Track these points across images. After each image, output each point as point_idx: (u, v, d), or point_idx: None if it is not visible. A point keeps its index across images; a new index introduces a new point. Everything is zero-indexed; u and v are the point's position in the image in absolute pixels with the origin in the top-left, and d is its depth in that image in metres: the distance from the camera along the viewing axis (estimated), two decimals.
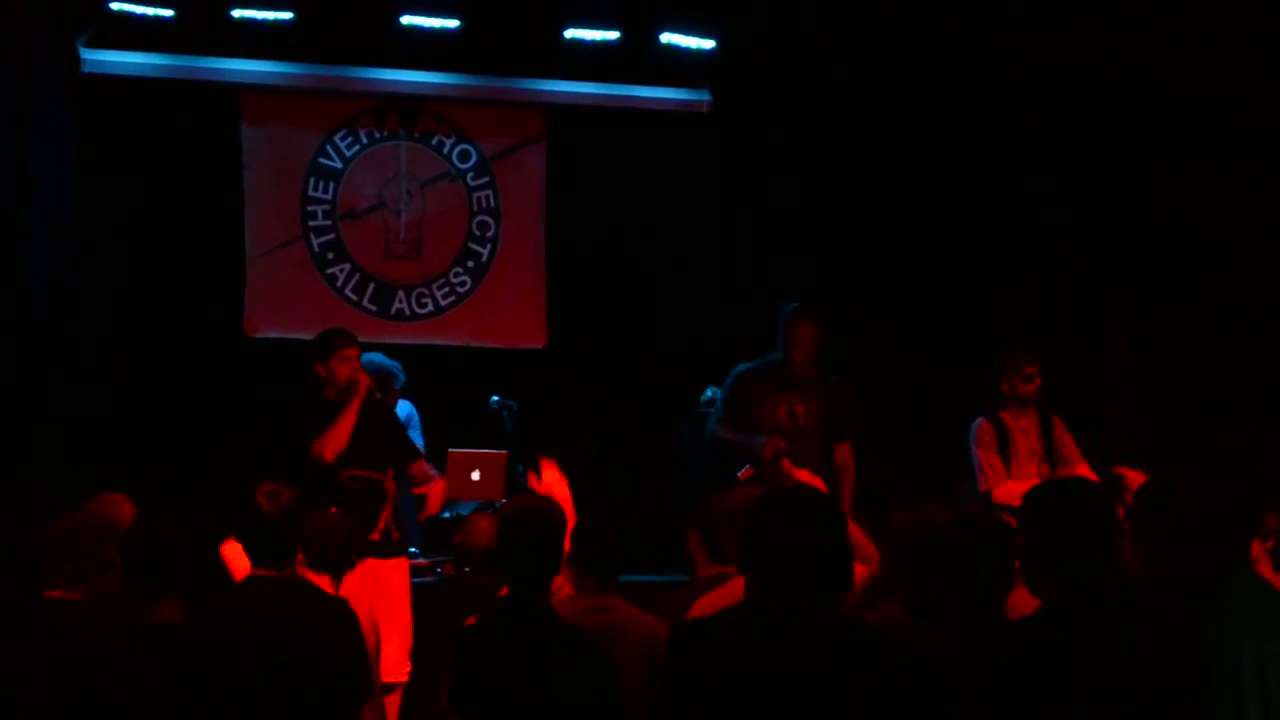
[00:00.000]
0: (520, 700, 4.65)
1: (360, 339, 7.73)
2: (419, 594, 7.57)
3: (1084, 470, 7.82)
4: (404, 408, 9.10)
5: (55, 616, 5.06)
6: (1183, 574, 4.18)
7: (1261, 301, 9.38)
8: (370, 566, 7.21)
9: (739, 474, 7.74)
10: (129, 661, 4.67)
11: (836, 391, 8.22)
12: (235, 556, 5.95)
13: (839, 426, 8.21)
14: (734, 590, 4.15)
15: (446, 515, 8.55)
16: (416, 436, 8.74)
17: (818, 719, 3.62)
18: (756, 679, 3.65)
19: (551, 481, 6.37)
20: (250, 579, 5.10)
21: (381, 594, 7.28)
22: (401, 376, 8.98)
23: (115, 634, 4.79)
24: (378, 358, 8.74)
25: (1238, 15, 9.06)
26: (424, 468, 7.83)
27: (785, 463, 7.60)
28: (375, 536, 7.31)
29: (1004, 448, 8.05)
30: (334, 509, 6.47)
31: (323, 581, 5.74)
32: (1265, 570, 5.92)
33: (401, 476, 7.72)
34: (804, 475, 7.17)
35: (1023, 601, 5.01)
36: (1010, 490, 7.80)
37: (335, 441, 7.30)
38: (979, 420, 8.12)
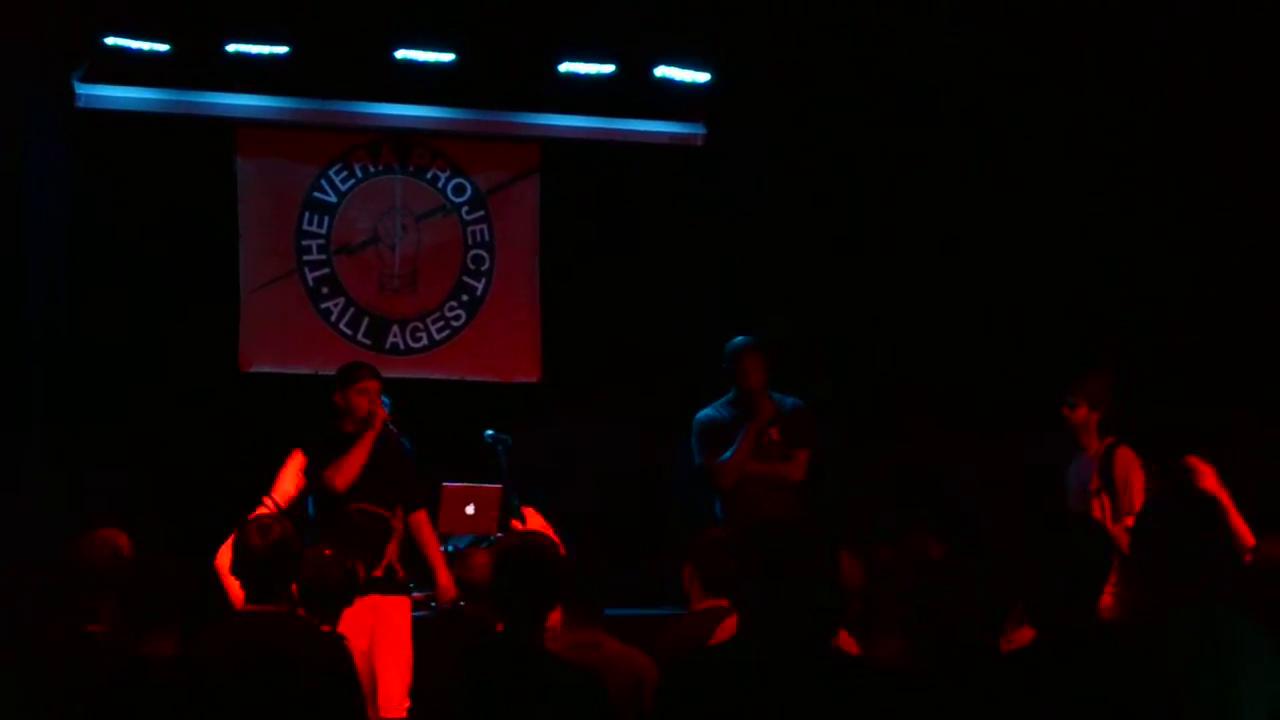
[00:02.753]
0: None
1: None
2: (414, 628, 7.57)
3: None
4: None
5: (58, 649, 5.05)
6: (1181, 602, 4.19)
7: (1255, 298, 9.40)
8: (373, 602, 7.22)
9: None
10: (125, 695, 4.67)
11: (795, 413, 8.56)
12: (227, 564, 5.94)
13: (800, 442, 8.52)
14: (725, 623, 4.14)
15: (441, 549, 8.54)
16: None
17: None
18: (748, 712, 3.64)
19: (535, 528, 6.39)
20: (244, 613, 5.09)
21: (382, 630, 7.30)
22: (386, 408, 8.99)
23: (111, 667, 4.78)
24: None
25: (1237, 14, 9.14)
26: (435, 557, 7.84)
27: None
28: (379, 573, 7.32)
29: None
30: (328, 550, 6.47)
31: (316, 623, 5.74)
32: None
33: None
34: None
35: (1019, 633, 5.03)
36: None
37: (347, 472, 7.34)
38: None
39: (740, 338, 8.63)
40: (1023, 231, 10.02)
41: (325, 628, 5.73)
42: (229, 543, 5.72)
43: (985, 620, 4.58)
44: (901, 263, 10.27)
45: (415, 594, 8.05)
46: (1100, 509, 7.82)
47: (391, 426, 7.66)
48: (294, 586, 5.52)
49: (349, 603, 6.06)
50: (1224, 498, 6.25)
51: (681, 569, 5.97)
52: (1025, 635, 4.55)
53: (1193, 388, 9.10)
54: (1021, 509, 8.57)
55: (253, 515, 5.28)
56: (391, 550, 7.50)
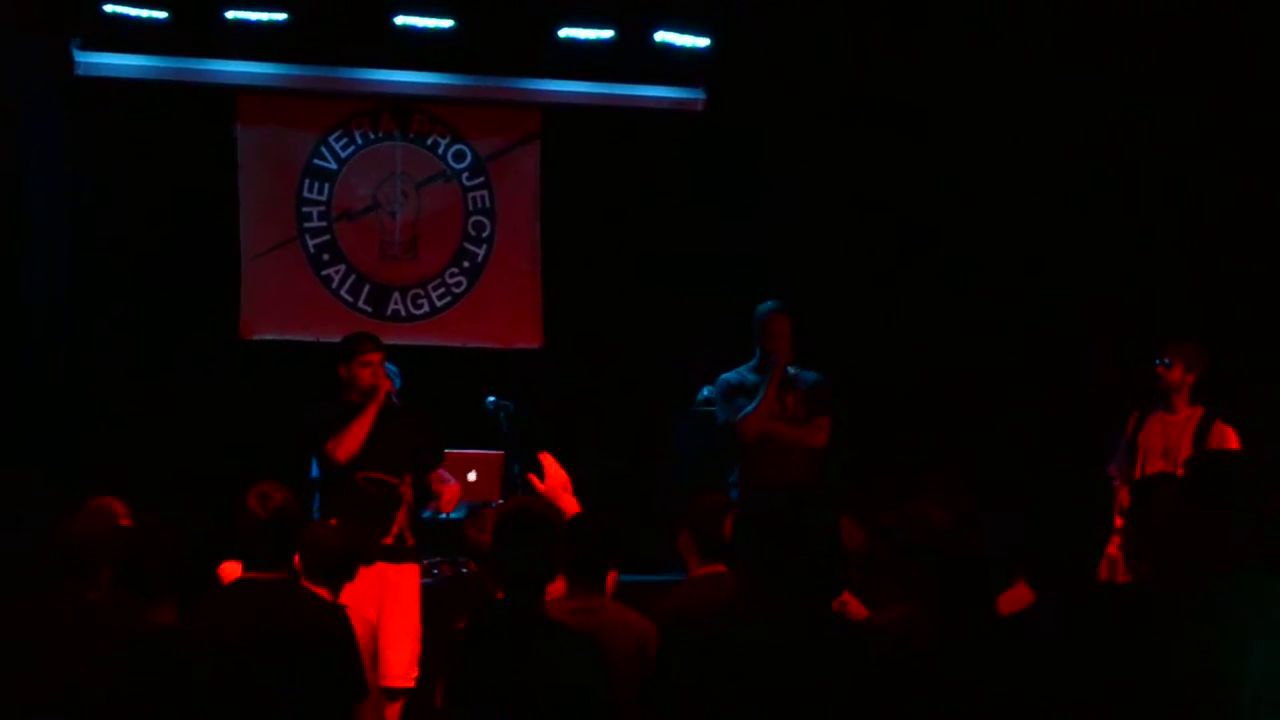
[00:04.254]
0: (515, 701, 4.65)
1: None
2: (422, 596, 7.56)
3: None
4: None
5: (57, 619, 5.06)
6: (1184, 572, 4.19)
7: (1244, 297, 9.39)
8: (380, 570, 7.22)
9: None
10: (124, 664, 4.68)
11: (815, 384, 8.49)
12: (231, 577, 5.95)
13: (821, 409, 8.46)
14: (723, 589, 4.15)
15: (442, 517, 8.55)
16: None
17: (808, 717, 3.62)
18: (747, 677, 3.65)
19: (553, 476, 6.34)
20: (242, 581, 5.09)
21: (390, 598, 7.29)
22: (397, 381, 8.99)
23: (110, 637, 4.79)
24: None
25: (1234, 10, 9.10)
26: (439, 473, 7.84)
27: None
28: (389, 540, 7.32)
29: (1134, 440, 8.05)
30: (333, 520, 6.47)
31: (321, 594, 5.74)
32: None
33: (420, 482, 7.74)
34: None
35: (1018, 597, 5.03)
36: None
37: (348, 444, 7.34)
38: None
39: (769, 302, 8.52)
40: (1026, 189, 10.02)
41: (326, 594, 5.74)
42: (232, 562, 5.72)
43: (988, 584, 4.59)
44: (903, 226, 10.25)
45: (424, 560, 8.08)
46: None
47: (394, 398, 7.64)
48: (296, 558, 5.52)
49: (351, 575, 6.06)
50: None
51: (678, 535, 5.96)
52: (1025, 598, 4.54)
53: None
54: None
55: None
56: (401, 518, 7.49)
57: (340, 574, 5.94)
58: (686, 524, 5.89)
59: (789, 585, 3.73)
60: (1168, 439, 7.93)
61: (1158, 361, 8.02)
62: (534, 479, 6.54)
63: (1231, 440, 7.84)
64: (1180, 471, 7.54)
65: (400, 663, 7.27)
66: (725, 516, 5.44)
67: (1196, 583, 4.14)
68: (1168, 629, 3.96)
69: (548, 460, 6.42)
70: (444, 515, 8.23)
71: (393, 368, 8.88)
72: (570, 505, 5.83)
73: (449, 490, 7.79)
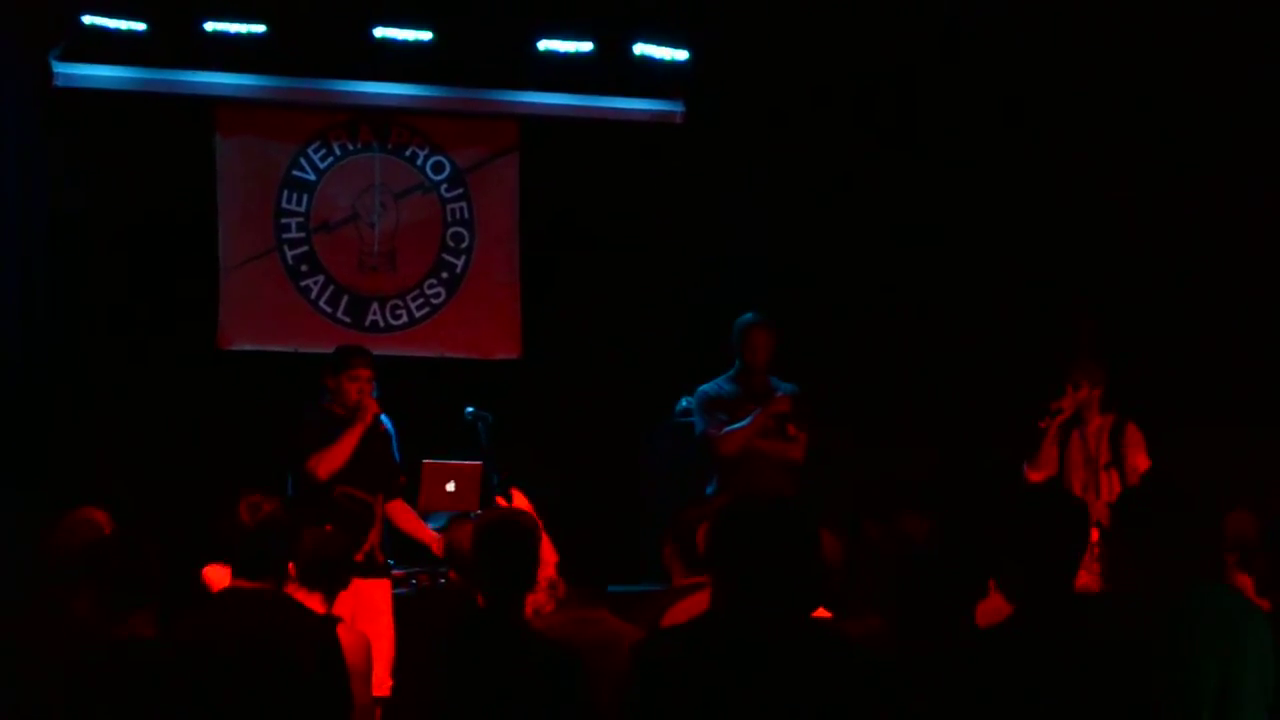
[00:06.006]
0: (492, 708, 4.66)
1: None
2: (395, 606, 7.60)
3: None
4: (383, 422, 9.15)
5: (37, 630, 5.05)
6: (1154, 585, 4.22)
7: (1235, 302, 9.46)
8: (355, 586, 7.25)
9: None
10: (103, 674, 4.67)
11: (797, 398, 8.51)
12: (217, 580, 5.95)
13: (802, 424, 8.49)
14: (705, 599, 4.15)
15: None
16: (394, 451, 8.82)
17: None
18: (722, 688, 3.65)
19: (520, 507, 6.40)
20: (227, 591, 5.09)
21: (364, 612, 7.32)
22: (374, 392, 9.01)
23: (90, 648, 4.78)
24: None
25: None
26: (413, 516, 7.95)
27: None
28: (360, 558, 7.35)
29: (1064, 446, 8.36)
30: (329, 527, 6.49)
31: (314, 600, 5.75)
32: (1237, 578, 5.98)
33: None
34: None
35: (994, 609, 5.05)
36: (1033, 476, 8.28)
37: (331, 462, 7.37)
38: None
39: (749, 314, 8.59)
40: (1012, 196, 10.06)
41: (318, 597, 5.74)
42: (216, 566, 5.72)
43: (965, 598, 4.61)
44: (883, 236, 10.27)
45: (395, 572, 8.09)
46: (1109, 483, 8.17)
47: (382, 420, 7.69)
48: (291, 564, 5.51)
49: (345, 583, 6.08)
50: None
51: (663, 547, 5.99)
52: (1002, 610, 4.56)
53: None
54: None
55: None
56: (373, 536, 7.53)
57: (336, 581, 5.95)
58: (671, 534, 5.93)
59: (766, 596, 3.74)
60: (1086, 449, 8.33)
61: (1068, 386, 8.36)
62: (500, 500, 6.59)
63: (1138, 438, 8.31)
64: (1114, 478, 8.13)
65: (376, 673, 7.28)
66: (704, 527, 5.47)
67: (1169, 591, 4.18)
68: (1141, 637, 3.99)
69: (518, 497, 6.48)
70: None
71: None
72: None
73: (431, 539, 7.86)
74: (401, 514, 7.97)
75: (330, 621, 5.28)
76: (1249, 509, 6.46)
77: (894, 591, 4.69)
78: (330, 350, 8.19)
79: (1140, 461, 8.22)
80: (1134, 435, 8.31)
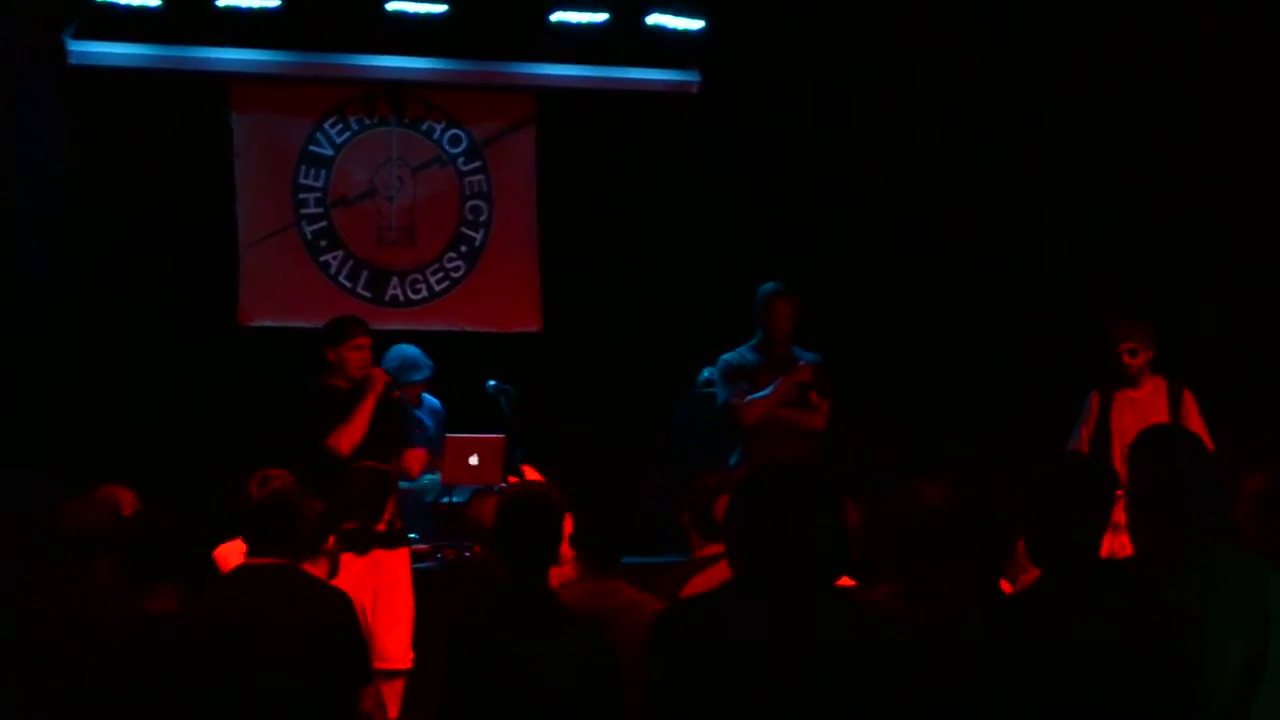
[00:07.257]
0: (516, 682, 4.66)
1: None
2: (421, 579, 7.59)
3: None
4: (431, 402, 9.23)
5: (59, 607, 5.06)
6: (1178, 548, 4.20)
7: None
8: (376, 557, 7.27)
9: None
10: (126, 651, 4.68)
11: (819, 368, 8.46)
12: (228, 559, 5.95)
13: (824, 393, 8.45)
14: (725, 570, 4.13)
15: (445, 501, 8.57)
16: (437, 430, 8.91)
17: (806, 698, 3.61)
18: (747, 656, 3.64)
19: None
20: (243, 567, 5.09)
21: (385, 584, 7.33)
22: (428, 371, 9.02)
23: (112, 624, 4.79)
24: (409, 350, 8.97)
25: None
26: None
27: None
28: (381, 527, 7.34)
29: (1105, 421, 8.19)
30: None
31: (318, 569, 5.73)
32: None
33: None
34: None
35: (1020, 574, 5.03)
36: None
37: (351, 436, 7.33)
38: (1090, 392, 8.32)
39: (772, 284, 8.52)
40: (1013, 176, 10.01)
41: (324, 565, 5.73)
42: (232, 543, 5.71)
43: (984, 563, 4.59)
44: (900, 207, 10.25)
45: (420, 546, 8.10)
46: None
47: (392, 386, 7.68)
48: (306, 525, 5.42)
49: (317, 550, 5.98)
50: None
51: (681, 516, 5.99)
52: (1029, 575, 4.55)
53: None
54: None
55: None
56: (392, 504, 7.51)
57: (308, 548, 5.83)
58: (686, 504, 5.92)
59: (790, 565, 3.72)
60: (1140, 416, 8.00)
61: (1122, 349, 8.17)
62: (513, 479, 6.58)
63: (1193, 405, 8.13)
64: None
65: (398, 645, 7.31)
66: (720, 496, 5.45)
67: (1194, 556, 4.15)
68: (1166, 603, 3.97)
69: (529, 472, 6.47)
70: (410, 484, 8.23)
71: (427, 362, 8.90)
72: None
73: (410, 457, 7.79)
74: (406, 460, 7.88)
75: (344, 593, 5.27)
76: None
77: (908, 558, 4.66)
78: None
79: (1200, 431, 7.77)
80: (1191, 402, 8.13)
